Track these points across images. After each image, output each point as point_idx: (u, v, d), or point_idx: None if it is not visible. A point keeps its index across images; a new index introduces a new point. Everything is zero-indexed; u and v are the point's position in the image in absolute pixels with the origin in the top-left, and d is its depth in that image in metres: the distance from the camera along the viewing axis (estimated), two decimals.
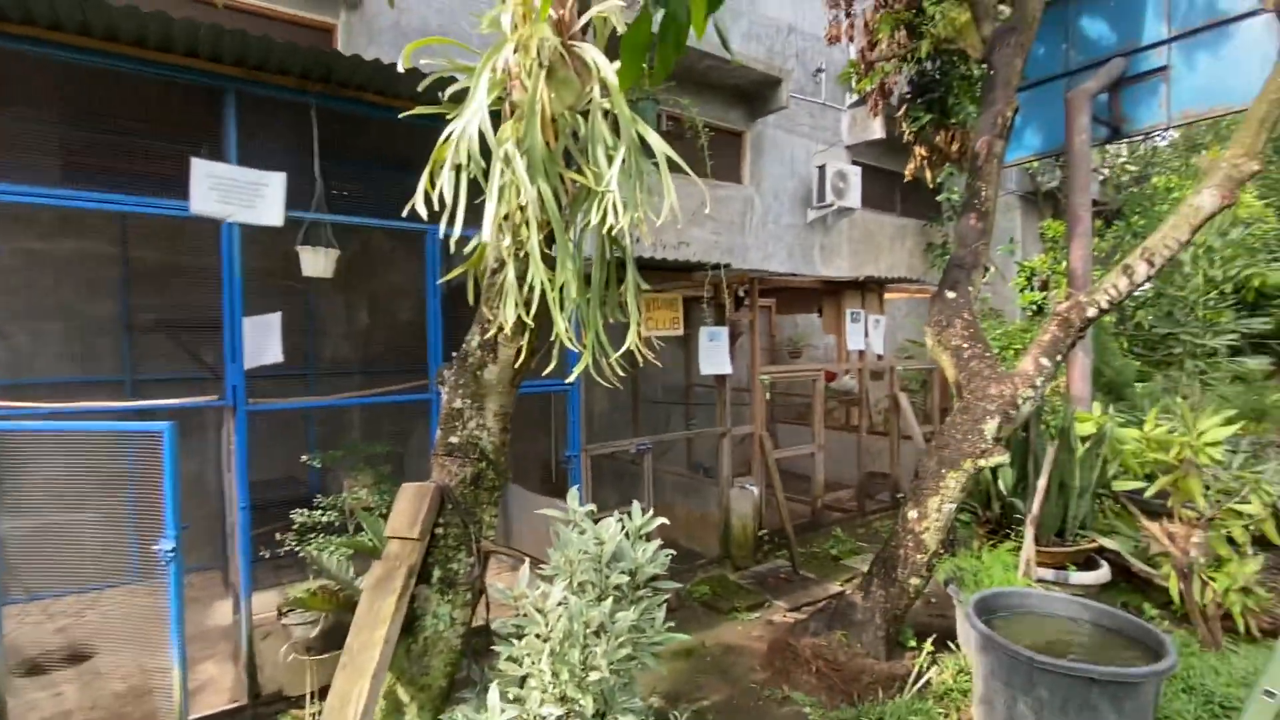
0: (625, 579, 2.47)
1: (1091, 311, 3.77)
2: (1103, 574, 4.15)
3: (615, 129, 2.70)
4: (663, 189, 2.66)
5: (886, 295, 7.68)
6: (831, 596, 5.09)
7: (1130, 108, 5.18)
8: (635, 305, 2.75)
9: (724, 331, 5.54)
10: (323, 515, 4.25)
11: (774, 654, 3.90)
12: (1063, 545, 4.21)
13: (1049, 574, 4.08)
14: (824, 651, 3.68)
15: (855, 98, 10.95)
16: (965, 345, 3.86)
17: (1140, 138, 8.59)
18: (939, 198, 12.03)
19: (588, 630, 2.33)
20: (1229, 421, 4.34)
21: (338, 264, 4.29)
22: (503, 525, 5.73)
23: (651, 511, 2.78)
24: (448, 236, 2.53)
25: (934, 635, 4.27)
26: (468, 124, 2.56)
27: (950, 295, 4.05)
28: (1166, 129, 5.11)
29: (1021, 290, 11.39)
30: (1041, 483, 3.88)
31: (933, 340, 4.01)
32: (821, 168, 10.05)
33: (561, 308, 2.60)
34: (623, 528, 2.69)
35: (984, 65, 4.60)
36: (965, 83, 6.32)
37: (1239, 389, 6.03)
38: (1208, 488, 4.50)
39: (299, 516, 4.21)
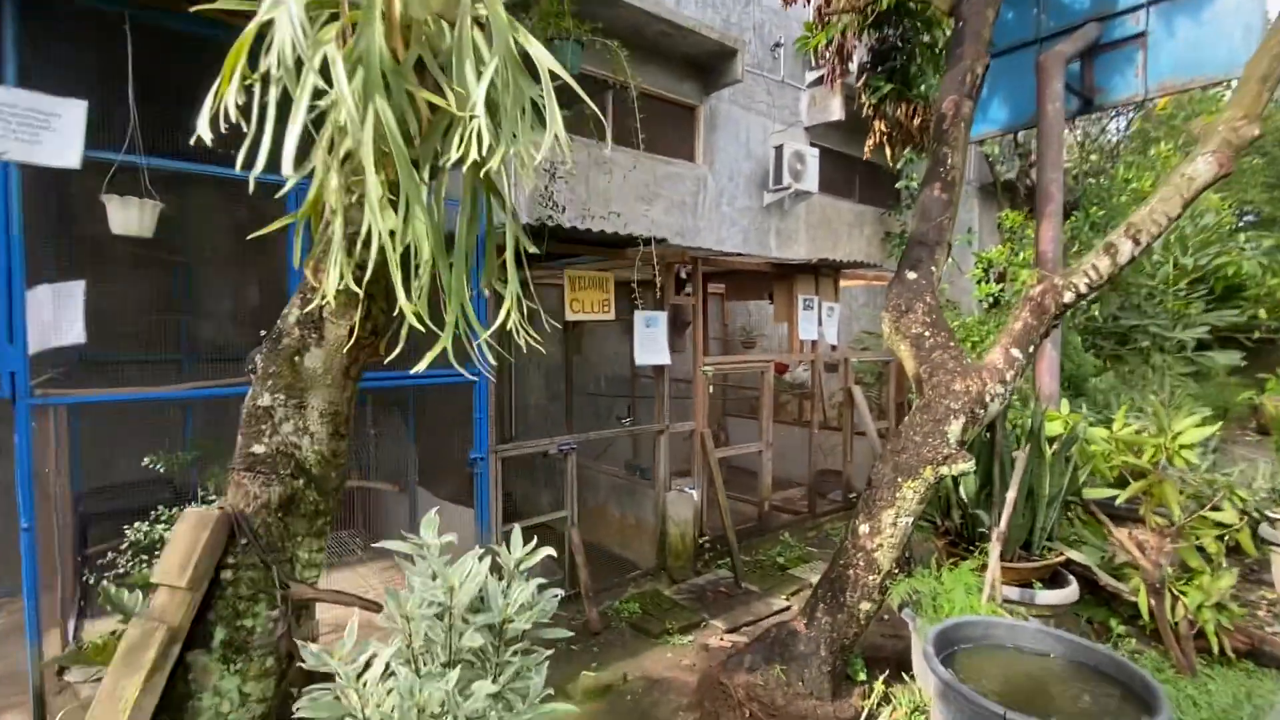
0: (481, 640, 1.84)
1: (1068, 296, 3.29)
2: (1071, 592, 3.71)
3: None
4: (548, 118, 2.02)
5: (842, 282, 7.21)
6: (775, 613, 4.57)
7: (1104, 78, 4.75)
8: (514, 274, 2.11)
9: (662, 317, 4.93)
10: (166, 530, 3.49)
11: (703, 693, 3.34)
12: (1029, 560, 3.76)
13: (1014, 593, 3.62)
14: (760, 692, 3.12)
15: (815, 76, 10.47)
16: (927, 333, 3.33)
17: (1113, 112, 8.31)
18: (898, 184, 11.66)
19: (423, 713, 1.69)
20: (1206, 421, 3.95)
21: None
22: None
23: (536, 547, 2.15)
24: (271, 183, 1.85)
25: (886, 664, 3.78)
26: (278, 19, 1.87)
27: (911, 276, 3.51)
28: (1143, 101, 4.70)
29: (979, 282, 11.13)
30: (1011, 495, 3.39)
31: (890, 327, 3.47)
32: (779, 148, 9.52)
33: (408, 273, 1.94)
34: (494, 565, 2.06)
35: (951, 19, 4.08)
36: (929, 50, 5.82)
37: (1202, 385, 5.73)
38: (1180, 493, 4.13)
39: (133, 532, 3.45)
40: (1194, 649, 3.82)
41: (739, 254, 5.11)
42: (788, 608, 4.66)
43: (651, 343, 4.84)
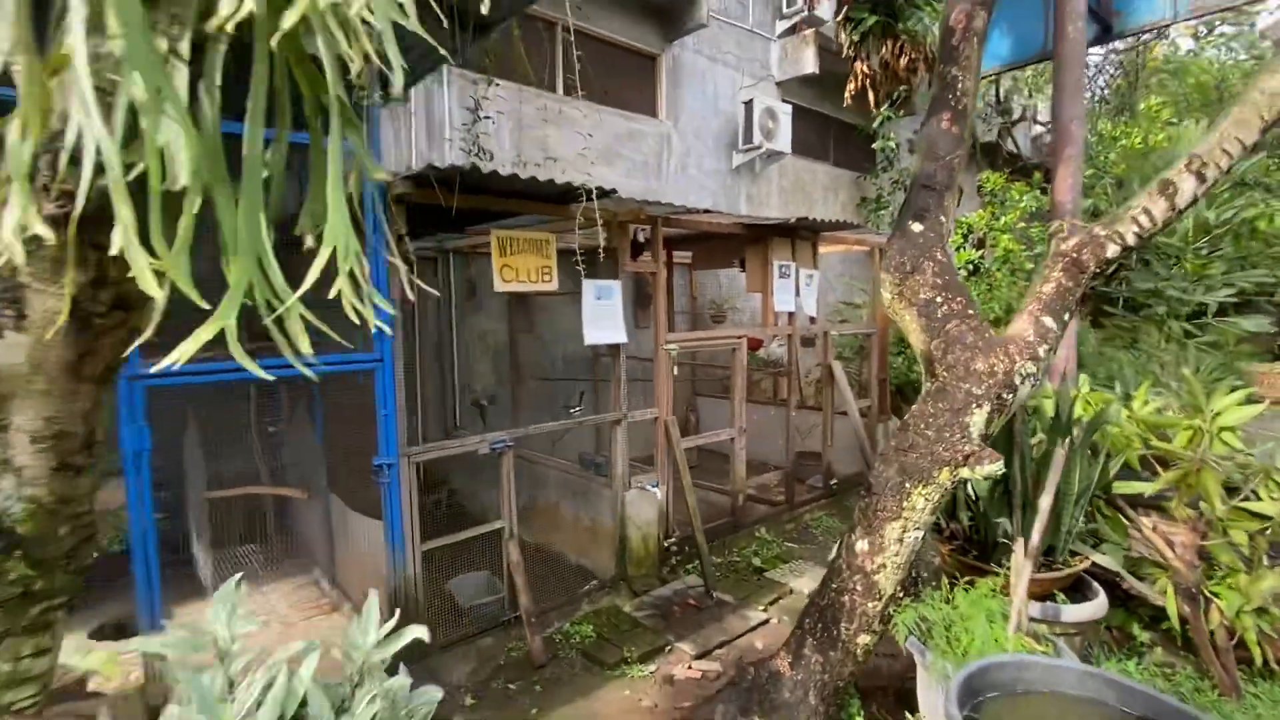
0: None
1: (1112, 250, 2.64)
2: (1100, 605, 3.14)
3: None
4: None
5: (821, 248, 6.52)
6: (752, 628, 3.95)
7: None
8: (339, 205, 1.34)
9: (616, 286, 4.18)
10: None
11: None
12: (1052, 569, 3.17)
13: (1035, 609, 3.03)
14: None
15: (786, 25, 9.66)
16: (939, 299, 2.66)
17: (1133, 38, 7.71)
18: (874, 145, 10.99)
19: None
20: (1250, 399, 3.39)
21: None
22: (326, 556, 4.26)
23: (397, 629, 1.43)
24: None
25: (884, 695, 3.19)
26: None
27: (916, 228, 2.82)
28: (1170, 25, 4.06)
29: (958, 248, 10.62)
30: (1046, 501, 2.77)
31: (892, 292, 2.78)
32: (749, 103, 8.73)
33: (153, 206, 1.16)
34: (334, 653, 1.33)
35: None
36: None
37: (1216, 355, 5.22)
38: None
39: None
40: (1235, 661, 3.30)
41: (705, 210, 4.38)
42: (765, 621, 4.04)
43: (604, 317, 4.10)
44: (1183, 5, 3.86)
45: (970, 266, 10.10)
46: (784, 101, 9.08)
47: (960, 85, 2.98)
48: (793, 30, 9.62)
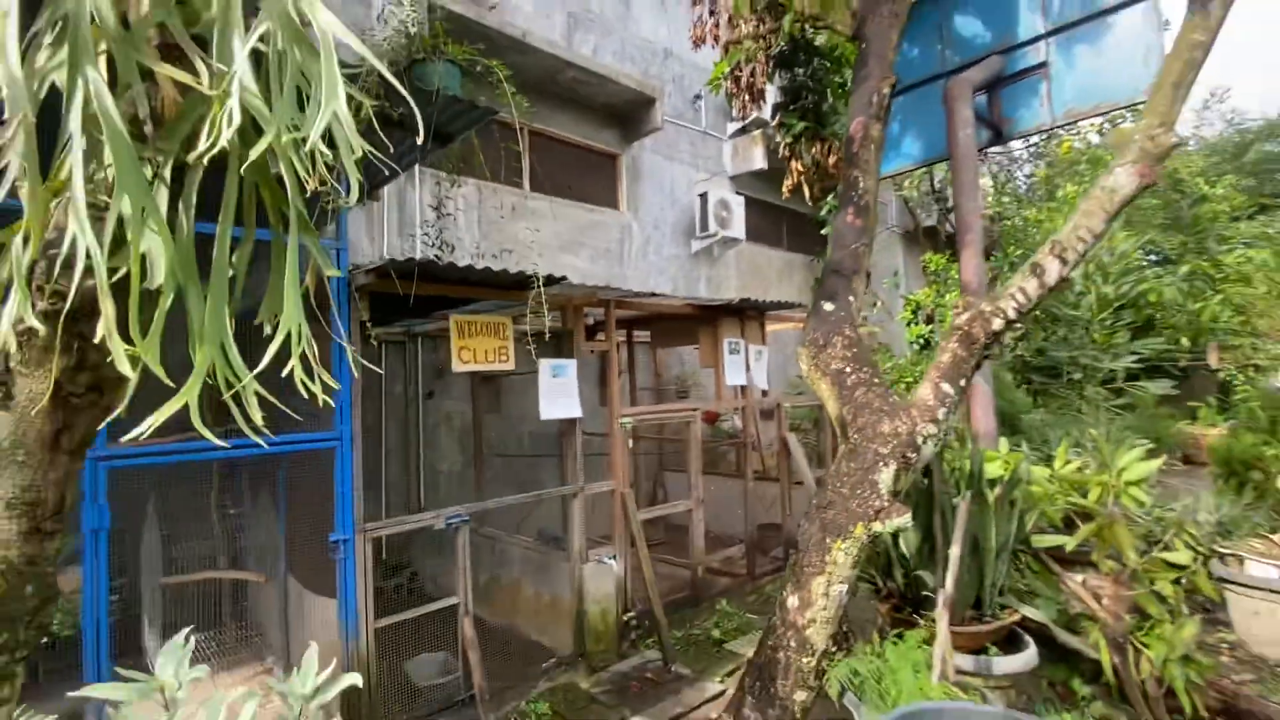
0: None
1: (997, 323, 2.98)
2: (1030, 656, 3.28)
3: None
4: (325, 92, 1.55)
5: (774, 326, 6.94)
6: (708, 700, 3.97)
7: (1011, 108, 4.71)
8: (295, 299, 1.59)
9: (571, 365, 4.45)
10: None
11: None
12: (981, 621, 3.33)
13: (968, 662, 3.16)
14: None
15: (736, 127, 10.57)
16: (848, 369, 2.96)
17: (1021, 157, 8.54)
18: (824, 231, 11.78)
19: None
20: (1150, 455, 3.69)
21: None
22: (282, 642, 4.23)
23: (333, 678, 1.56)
24: None
25: None
26: None
27: (828, 308, 3.16)
28: (1051, 129, 4.67)
29: (908, 324, 11.22)
30: (955, 551, 2.98)
31: (809, 364, 3.09)
32: (704, 195, 9.44)
33: (137, 305, 1.40)
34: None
35: (855, 44, 3.92)
36: (841, 90, 5.77)
37: (1133, 416, 5.61)
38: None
39: None
40: (1166, 710, 3.42)
41: (653, 294, 4.74)
42: (722, 692, 4.07)
43: (559, 394, 4.34)
44: (1058, 113, 4.47)
45: (922, 341, 10.65)
46: (737, 194, 9.81)
47: (861, 184, 3.42)
48: (743, 130, 10.53)
